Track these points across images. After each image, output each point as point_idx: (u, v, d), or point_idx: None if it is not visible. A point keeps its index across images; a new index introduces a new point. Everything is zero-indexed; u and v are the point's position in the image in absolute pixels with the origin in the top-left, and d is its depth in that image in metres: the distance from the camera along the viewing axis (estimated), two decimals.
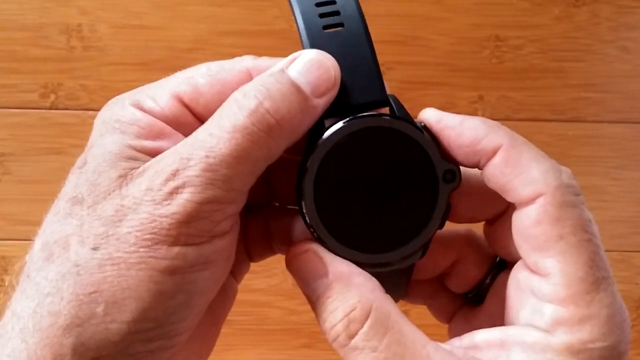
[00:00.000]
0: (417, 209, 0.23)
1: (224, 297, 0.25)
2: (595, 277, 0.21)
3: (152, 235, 0.19)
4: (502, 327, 0.22)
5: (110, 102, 0.23)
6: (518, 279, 0.23)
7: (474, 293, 0.27)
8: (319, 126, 0.22)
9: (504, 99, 0.73)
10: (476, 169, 0.24)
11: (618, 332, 0.21)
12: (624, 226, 0.74)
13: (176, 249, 0.20)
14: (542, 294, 0.21)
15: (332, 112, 0.22)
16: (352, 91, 0.23)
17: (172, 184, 0.20)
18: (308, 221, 0.22)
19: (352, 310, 0.21)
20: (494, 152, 0.22)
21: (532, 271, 0.22)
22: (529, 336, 0.21)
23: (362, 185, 0.22)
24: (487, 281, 0.26)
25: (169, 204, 0.20)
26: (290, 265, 0.23)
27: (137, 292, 0.19)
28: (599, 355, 0.20)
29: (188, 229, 0.20)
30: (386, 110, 0.23)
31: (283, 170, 0.23)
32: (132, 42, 0.73)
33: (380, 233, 0.23)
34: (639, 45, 0.75)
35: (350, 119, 0.22)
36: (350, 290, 0.21)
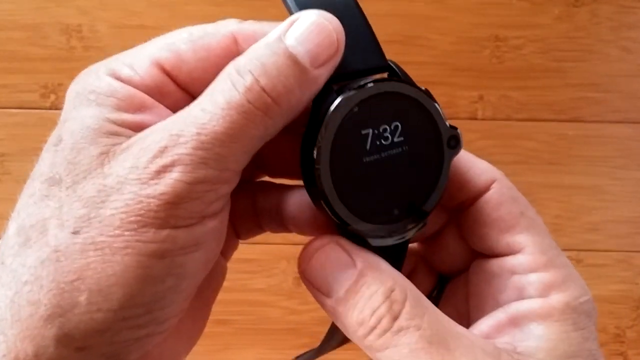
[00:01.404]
0: (424, 177, 0.22)
1: (214, 276, 0.24)
2: (555, 243, 0.23)
3: (139, 218, 0.18)
4: (499, 309, 0.22)
5: (82, 72, 0.21)
6: (485, 273, 0.23)
7: (433, 295, 0.26)
8: (326, 91, 0.21)
9: (504, 98, 0.73)
10: None
11: (586, 288, 0.22)
12: (625, 226, 0.73)
13: (165, 232, 0.18)
14: (523, 268, 0.22)
15: (335, 77, 0.21)
16: (351, 57, 0.21)
17: (160, 162, 0.18)
18: (322, 194, 0.21)
19: (392, 292, 0.20)
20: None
21: (504, 254, 0.23)
22: (533, 305, 0.21)
23: (372, 153, 0.21)
24: (434, 294, 0.26)
25: (156, 184, 0.18)
26: (309, 263, 0.22)
27: (123, 278, 0.18)
28: (589, 307, 0.21)
29: (177, 211, 0.18)
30: (385, 75, 0.22)
31: (274, 140, 0.21)
32: (131, 42, 0.72)
33: (389, 203, 0.22)
34: (639, 45, 0.75)
35: (363, 85, 0.21)
36: (383, 274, 0.21)
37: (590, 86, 0.74)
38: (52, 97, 0.72)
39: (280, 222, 0.25)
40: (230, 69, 0.20)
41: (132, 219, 0.18)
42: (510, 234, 0.22)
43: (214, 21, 0.22)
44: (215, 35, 0.21)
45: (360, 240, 0.22)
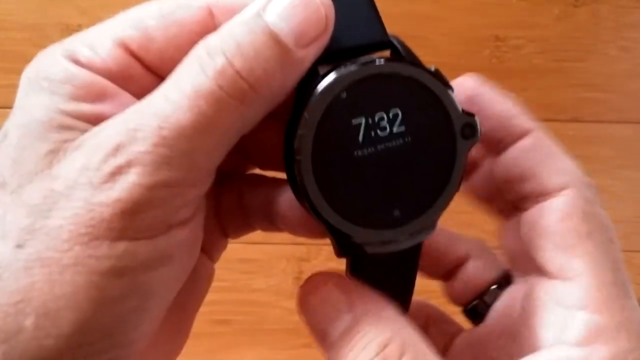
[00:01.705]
0: (432, 173, 0.19)
1: (196, 283, 0.21)
2: (622, 280, 0.19)
3: (90, 229, 0.15)
4: (531, 357, 0.19)
5: (38, 54, 0.18)
6: (532, 294, 0.20)
7: (472, 306, 0.23)
8: (312, 75, 0.18)
9: None
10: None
11: None
12: (625, 226, 0.73)
13: (122, 245, 0.15)
14: (571, 301, 0.18)
15: (324, 57, 0.18)
16: (344, 32, 0.18)
17: (113, 162, 0.15)
18: (303, 190, 0.18)
19: (387, 346, 0.17)
20: (522, 135, 0.20)
21: (553, 277, 0.19)
22: (566, 358, 0.18)
23: (367, 146, 0.18)
24: (486, 298, 0.23)
25: (110, 189, 0.15)
26: (305, 303, 0.19)
27: (74, 301, 0.15)
28: None
29: (136, 221, 0.15)
30: (387, 53, 0.19)
31: (259, 127, 0.18)
32: None
33: (388, 204, 0.19)
34: (638, 45, 0.75)
35: (351, 66, 0.18)
36: (381, 323, 0.18)
37: (590, 86, 0.74)
38: None
39: (270, 221, 0.22)
40: (199, 49, 0.16)
41: (83, 230, 0.15)
42: (566, 254, 0.19)
43: None
44: (189, 9, 0.18)
45: (354, 247, 0.19)
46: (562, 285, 0.19)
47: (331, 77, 0.18)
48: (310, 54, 0.17)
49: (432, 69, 0.19)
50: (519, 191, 0.20)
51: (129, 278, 0.16)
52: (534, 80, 0.74)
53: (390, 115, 0.18)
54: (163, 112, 0.16)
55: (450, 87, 0.19)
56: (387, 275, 0.20)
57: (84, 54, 0.17)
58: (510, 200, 0.21)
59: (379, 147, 0.18)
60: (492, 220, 0.23)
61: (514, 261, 0.22)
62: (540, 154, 0.20)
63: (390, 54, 0.19)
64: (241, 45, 0.16)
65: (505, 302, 0.22)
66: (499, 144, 0.21)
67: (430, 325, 0.24)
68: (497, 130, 0.20)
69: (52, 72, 0.17)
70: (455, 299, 0.24)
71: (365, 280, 0.20)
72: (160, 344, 0.20)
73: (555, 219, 0.19)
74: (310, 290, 0.19)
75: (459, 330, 0.24)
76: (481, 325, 0.23)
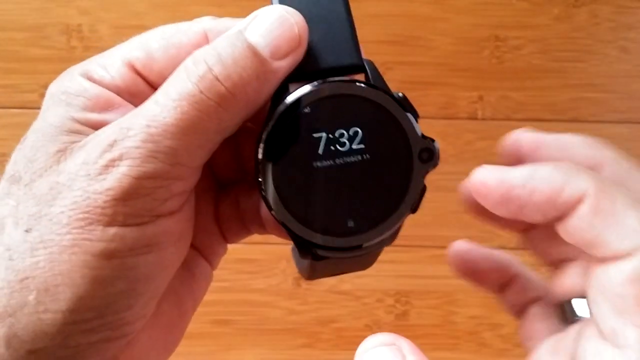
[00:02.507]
0: (387, 190, 0.20)
1: (194, 283, 0.23)
2: None
3: (86, 215, 0.17)
4: None
5: (62, 74, 0.21)
6: (586, 346, 0.19)
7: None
8: (282, 91, 0.20)
9: (504, 99, 0.73)
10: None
11: None
12: None
13: (112, 230, 0.17)
14: None
15: (299, 76, 0.20)
16: (322, 53, 0.20)
17: (108, 156, 0.18)
18: (264, 195, 0.20)
19: None
20: (578, 202, 0.19)
21: (604, 338, 0.19)
22: None
23: (326, 159, 0.20)
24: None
25: (104, 179, 0.17)
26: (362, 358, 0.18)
27: (70, 278, 0.17)
28: None
29: (126, 208, 0.17)
30: (361, 76, 0.21)
31: (252, 143, 0.21)
32: None
33: (343, 214, 0.20)
34: (638, 45, 0.75)
35: (317, 84, 0.20)
36: None
37: (590, 86, 0.74)
38: None
39: (262, 225, 0.24)
40: (187, 60, 0.19)
41: (80, 216, 0.17)
42: (622, 321, 0.18)
43: None
44: (187, 33, 0.20)
45: (311, 251, 0.21)
46: (609, 350, 0.18)
47: (297, 92, 0.20)
48: (283, 67, 0.19)
49: (399, 94, 0.20)
50: (588, 255, 0.20)
51: (118, 261, 0.18)
52: (533, 80, 0.74)
53: (351, 132, 0.20)
54: (151, 113, 0.18)
55: (414, 113, 0.20)
56: (339, 269, 0.23)
57: (97, 73, 0.20)
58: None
59: (338, 160, 0.20)
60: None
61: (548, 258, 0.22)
62: (601, 219, 0.19)
63: (365, 78, 0.21)
64: (221, 55, 0.18)
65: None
66: (555, 220, 0.20)
67: (512, 283, 0.24)
68: (549, 212, 0.19)
69: (69, 87, 0.20)
70: (510, 306, 0.24)
71: (323, 268, 0.22)
72: (157, 337, 0.21)
73: (616, 283, 0.18)
74: (368, 348, 0.18)
75: (538, 296, 0.24)
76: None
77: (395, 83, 0.68)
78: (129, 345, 0.19)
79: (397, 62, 0.72)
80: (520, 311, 0.24)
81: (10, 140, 0.73)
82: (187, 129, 0.18)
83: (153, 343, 0.21)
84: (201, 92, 0.18)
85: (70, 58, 0.72)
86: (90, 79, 0.20)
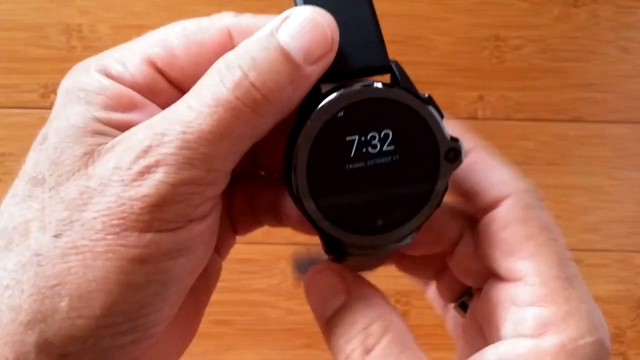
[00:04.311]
0: (415, 190, 0.21)
1: (207, 278, 0.23)
2: (567, 274, 0.20)
3: (121, 221, 0.17)
4: (492, 346, 0.20)
5: (74, 68, 0.20)
6: (492, 296, 0.22)
7: (461, 301, 0.25)
8: (314, 92, 0.20)
9: (504, 99, 0.74)
10: None
11: (601, 327, 0.20)
12: (624, 226, 0.74)
13: (148, 236, 0.17)
14: (521, 299, 0.20)
15: (330, 77, 0.20)
16: (351, 55, 0.20)
17: (143, 163, 0.17)
18: (297, 195, 0.20)
19: (371, 325, 0.20)
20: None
21: (506, 279, 0.21)
22: (521, 347, 0.19)
23: (358, 161, 0.20)
24: (461, 302, 0.25)
25: (139, 185, 0.17)
26: (309, 285, 0.22)
27: (105, 284, 0.17)
28: (591, 350, 0.19)
29: (162, 214, 0.17)
30: (387, 77, 0.21)
31: (268, 138, 0.21)
32: None
33: (373, 214, 0.21)
34: (638, 45, 0.75)
35: (351, 88, 0.20)
36: (370, 306, 0.21)
37: (590, 86, 0.74)
38: (52, 97, 0.72)
39: (277, 218, 0.24)
40: (219, 64, 0.19)
41: (115, 222, 0.17)
42: (512, 258, 0.20)
43: None
44: (209, 30, 0.20)
45: (339, 247, 0.21)
46: (512, 286, 0.21)
47: (332, 96, 0.20)
48: (316, 71, 0.19)
49: (425, 95, 0.21)
50: (470, 211, 0.23)
51: (152, 266, 0.18)
52: (533, 80, 0.74)
53: (382, 134, 0.20)
54: (187, 119, 0.18)
55: (440, 113, 0.21)
56: (362, 267, 0.23)
57: (116, 69, 0.19)
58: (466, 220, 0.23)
59: (369, 162, 0.20)
60: None
61: (469, 279, 0.24)
62: (479, 170, 0.22)
63: (391, 78, 0.21)
64: (256, 60, 0.18)
65: (476, 301, 0.24)
66: None
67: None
68: None
69: (87, 84, 0.19)
70: (445, 296, 0.26)
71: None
72: (174, 334, 0.21)
73: (496, 228, 0.21)
74: (313, 275, 0.22)
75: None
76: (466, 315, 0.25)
77: None
78: (152, 345, 0.20)
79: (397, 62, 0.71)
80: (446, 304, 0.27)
81: (10, 140, 0.73)
82: (223, 135, 0.18)
83: (172, 340, 0.21)
84: (237, 98, 0.18)
85: (70, 58, 0.72)
86: (109, 76, 0.19)
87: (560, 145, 0.74)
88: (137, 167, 0.17)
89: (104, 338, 0.18)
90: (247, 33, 0.19)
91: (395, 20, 0.72)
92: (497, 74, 0.74)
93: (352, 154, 0.20)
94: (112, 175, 0.18)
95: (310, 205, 0.20)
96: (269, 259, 0.72)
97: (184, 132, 0.17)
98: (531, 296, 0.20)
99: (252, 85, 0.18)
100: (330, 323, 0.21)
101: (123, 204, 0.17)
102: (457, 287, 0.25)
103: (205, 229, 0.19)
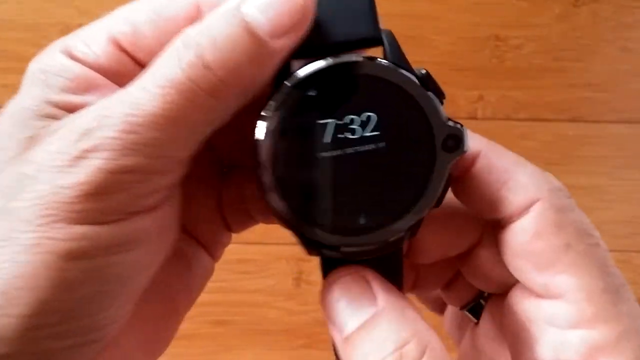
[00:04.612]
0: (405, 183, 0.18)
1: (190, 277, 0.21)
2: (616, 285, 0.18)
3: (52, 211, 0.15)
4: None
5: (44, 50, 0.19)
6: (522, 311, 0.19)
7: (472, 306, 0.23)
8: (286, 69, 0.17)
9: (504, 98, 0.73)
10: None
11: None
12: (625, 226, 0.73)
13: (81, 229, 0.16)
14: (563, 320, 0.17)
15: (306, 52, 0.17)
16: (332, 24, 0.17)
17: (81, 146, 0.16)
18: (261, 187, 0.18)
19: (406, 344, 0.17)
20: (473, 160, 0.19)
21: (540, 296, 0.18)
22: None
23: (332, 148, 0.17)
24: (472, 306, 0.23)
25: (74, 172, 0.15)
26: (327, 293, 0.19)
27: (32, 281, 0.15)
28: None
29: (98, 204, 0.16)
30: (379, 51, 0.18)
31: (239, 122, 0.19)
32: None
33: (354, 211, 0.18)
34: (638, 44, 0.74)
35: (324, 62, 0.17)
36: (403, 321, 0.17)
37: (590, 86, 0.74)
38: None
39: (267, 214, 0.22)
40: (177, 41, 0.17)
41: (45, 212, 0.15)
42: (548, 273, 0.18)
43: None
44: (177, 5, 0.18)
45: (318, 248, 0.19)
46: (549, 305, 0.18)
47: (301, 72, 0.17)
48: (284, 45, 0.16)
49: (422, 72, 0.18)
50: (490, 217, 0.19)
51: (89, 262, 0.16)
52: (533, 80, 0.74)
53: (363, 117, 0.17)
54: (134, 100, 0.16)
55: (439, 93, 0.18)
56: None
57: (79, 49, 0.18)
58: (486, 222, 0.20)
59: (348, 150, 0.17)
60: None
61: (486, 286, 0.22)
62: (495, 175, 0.19)
63: (383, 52, 0.18)
64: (214, 37, 0.16)
65: (494, 307, 0.22)
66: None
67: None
68: None
69: (49, 66, 0.18)
70: (453, 302, 0.24)
71: None
72: (142, 337, 0.20)
73: (527, 239, 0.18)
74: (333, 280, 0.19)
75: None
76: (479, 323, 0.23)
77: None
78: (110, 346, 0.18)
79: None
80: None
81: None
82: (174, 119, 0.16)
83: (139, 342, 0.20)
84: (192, 80, 0.16)
85: None
86: (72, 57, 0.18)
87: (560, 145, 0.74)
88: (75, 151, 0.16)
89: (37, 340, 0.16)
90: (217, 6, 0.17)
91: (395, 20, 0.71)
92: (497, 73, 0.73)
93: (327, 140, 0.17)
94: (48, 161, 0.16)
95: (276, 201, 0.18)
96: (268, 259, 0.72)
97: (131, 114, 0.16)
98: (576, 316, 0.17)
99: (208, 66, 0.16)
100: (352, 339, 0.18)
101: (56, 192, 0.16)
102: (469, 291, 0.23)
103: (154, 222, 0.17)
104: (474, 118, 0.72)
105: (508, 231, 0.19)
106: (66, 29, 0.73)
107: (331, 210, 0.18)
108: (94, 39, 0.18)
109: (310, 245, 0.18)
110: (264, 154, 0.17)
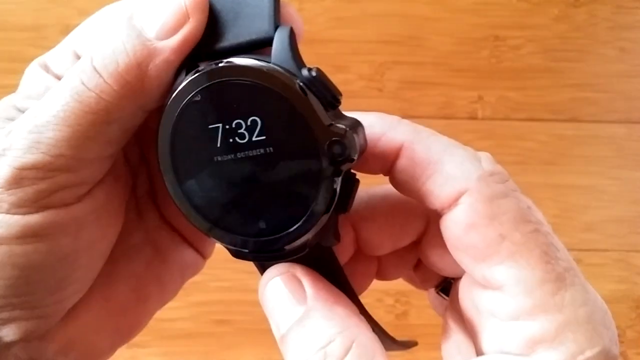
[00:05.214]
0: (297, 190, 0.17)
1: (164, 270, 0.22)
2: (557, 272, 0.16)
3: None
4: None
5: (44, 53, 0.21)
6: (470, 299, 0.19)
7: (443, 286, 0.23)
8: (177, 73, 0.18)
9: (503, 99, 0.74)
10: (382, 190, 0.20)
11: (605, 331, 0.16)
12: (623, 226, 0.74)
13: None
14: (503, 312, 0.17)
15: (203, 55, 0.17)
16: (226, 28, 0.17)
17: (2, 145, 0.18)
18: (170, 192, 0.18)
19: (330, 343, 0.17)
20: (397, 153, 0.18)
21: (482, 286, 0.18)
22: None
23: (227, 155, 0.17)
24: (441, 288, 0.22)
25: None
26: (262, 294, 0.20)
27: None
28: None
29: (9, 196, 0.17)
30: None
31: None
32: None
33: (253, 214, 0.18)
34: (637, 45, 0.75)
35: (206, 67, 0.17)
36: (329, 319, 0.18)
37: (588, 86, 0.74)
38: None
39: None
40: (85, 54, 0.19)
41: None
42: (485, 265, 0.17)
43: None
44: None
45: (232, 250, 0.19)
46: (490, 295, 0.17)
47: (187, 78, 0.17)
48: (171, 47, 0.17)
49: (311, 73, 0.17)
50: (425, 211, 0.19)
51: (5, 247, 0.17)
52: (532, 80, 0.74)
53: (249, 122, 0.17)
54: (41, 102, 0.18)
55: (328, 95, 0.16)
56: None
57: (51, 63, 0.20)
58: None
59: (239, 154, 0.17)
60: None
61: (445, 271, 0.22)
62: (420, 167, 0.18)
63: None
64: (105, 41, 0.17)
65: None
66: (387, 174, 0.19)
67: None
68: (372, 162, 0.18)
69: (27, 75, 0.20)
70: (425, 283, 0.24)
71: None
72: (104, 321, 0.20)
73: (460, 232, 0.17)
74: (268, 280, 0.19)
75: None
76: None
77: (395, 83, 0.68)
78: (67, 324, 0.19)
79: (396, 62, 0.72)
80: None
81: None
82: (69, 120, 0.17)
83: (101, 324, 0.20)
84: (82, 83, 0.17)
85: None
86: (46, 69, 0.20)
87: (558, 145, 0.74)
88: (0, 150, 0.18)
89: None
90: None
91: (394, 21, 0.72)
92: (496, 74, 0.74)
93: (218, 145, 0.17)
94: None
95: (184, 205, 0.18)
96: None
97: (35, 116, 0.18)
98: (514, 309, 0.17)
99: (95, 69, 0.17)
100: (285, 339, 0.19)
101: None
102: (434, 274, 0.23)
103: (67, 217, 0.18)
104: (474, 118, 0.72)
105: (443, 222, 0.18)
106: (66, 29, 0.73)
107: (231, 214, 0.18)
108: (61, 55, 0.20)
109: (229, 249, 0.19)
110: (164, 160, 0.18)
